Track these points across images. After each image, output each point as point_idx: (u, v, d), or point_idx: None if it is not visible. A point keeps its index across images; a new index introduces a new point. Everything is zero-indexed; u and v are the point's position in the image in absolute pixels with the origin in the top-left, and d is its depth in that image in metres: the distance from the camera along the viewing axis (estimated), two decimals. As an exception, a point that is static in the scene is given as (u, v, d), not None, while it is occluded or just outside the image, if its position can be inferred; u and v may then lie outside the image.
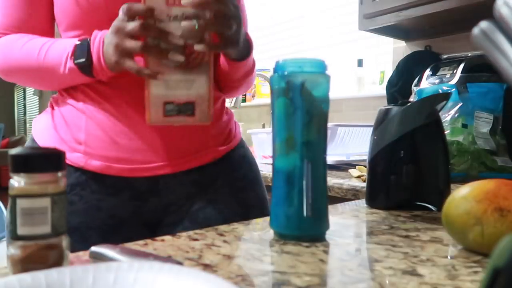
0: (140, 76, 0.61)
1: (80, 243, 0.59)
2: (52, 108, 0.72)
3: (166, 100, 0.63)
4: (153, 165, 0.67)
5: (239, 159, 0.78)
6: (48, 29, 0.73)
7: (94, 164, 0.66)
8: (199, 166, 0.71)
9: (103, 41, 0.62)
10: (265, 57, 2.44)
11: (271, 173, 0.51)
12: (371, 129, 0.71)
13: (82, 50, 0.63)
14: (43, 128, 0.71)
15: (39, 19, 0.72)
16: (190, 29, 0.58)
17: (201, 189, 0.72)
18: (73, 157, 0.66)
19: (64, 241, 0.38)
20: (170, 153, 0.68)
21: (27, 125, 7.92)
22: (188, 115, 0.64)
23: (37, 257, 0.36)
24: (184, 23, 0.58)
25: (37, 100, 7.05)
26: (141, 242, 0.47)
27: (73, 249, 0.41)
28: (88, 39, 0.64)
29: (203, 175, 0.72)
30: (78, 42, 0.64)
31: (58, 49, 0.65)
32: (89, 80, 0.66)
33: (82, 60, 0.63)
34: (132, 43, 0.59)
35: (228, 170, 0.75)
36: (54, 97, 0.74)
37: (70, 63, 0.64)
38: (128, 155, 0.66)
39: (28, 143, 0.74)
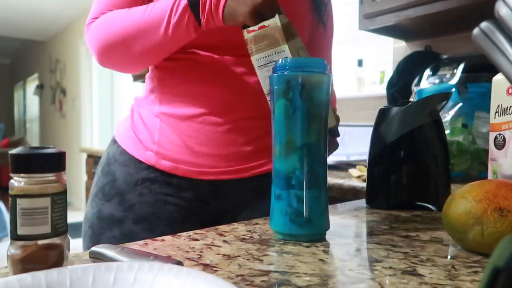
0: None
1: (149, 231, 0.68)
2: (133, 111, 0.77)
3: None
4: (216, 169, 0.70)
5: None
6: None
7: (164, 164, 0.70)
8: (261, 175, 0.72)
9: None
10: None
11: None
12: (371, 129, 0.71)
13: None
14: (123, 130, 0.76)
15: None
16: None
17: (260, 198, 0.73)
18: (146, 155, 0.71)
19: (64, 241, 0.38)
20: (234, 160, 0.70)
21: (27, 125, 7.92)
22: None
23: (37, 257, 0.36)
24: None
25: (37, 100, 7.05)
26: (141, 242, 0.47)
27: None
28: None
29: (264, 183, 0.71)
30: None
31: (166, 2, 0.64)
32: (192, 34, 0.64)
33: None
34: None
35: None
36: (136, 100, 0.78)
37: (183, 3, 0.62)
38: (195, 159, 0.70)
39: (110, 143, 0.78)
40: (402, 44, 1.76)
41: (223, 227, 0.54)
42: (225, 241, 0.48)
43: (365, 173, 1.10)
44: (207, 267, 0.39)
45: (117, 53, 0.69)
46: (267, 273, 0.37)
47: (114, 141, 0.78)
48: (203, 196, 0.71)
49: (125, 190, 0.71)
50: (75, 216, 3.93)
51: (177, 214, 0.71)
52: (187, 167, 0.70)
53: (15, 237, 0.36)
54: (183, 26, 0.63)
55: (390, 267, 0.39)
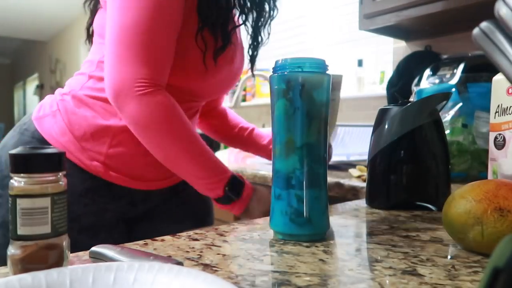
0: None
1: (92, 238, 0.73)
2: (66, 110, 0.76)
3: None
4: (151, 182, 0.82)
5: None
6: None
7: (111, 175, 0.76)
8: (177, 182, 0.88)
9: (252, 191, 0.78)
10: (265, 57, 2.43)
11: (271, 173, 0.51)
12: (371, 129, 0.71)
13: (237, 187, 0.75)
14: (58, 132, 0.75)
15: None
16: None
17: (176, 195, 0.89)
18: (93, 165, 0.75)
19: (64, 241, 0.38)
20: (162, 175, 0.83)
21: (27, 125, 7.87)
22: None
23: (37, 257, 0.36)
24: None
25: (37, 100, 7.05)
26: (141, 242, 0.47)
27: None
28: (242, 181, 0.77)
29: (177, 186, 0.89)
30: (233, 176, 0.75)
31: (216, 165, 0.74)
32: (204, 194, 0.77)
33: (233, 195, 0.75)
34: None
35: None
36: (67, 106, 0.76)
37: (220, 185, 0.74)
38: (138, 172, 0.79)
39: (33, 141, 0.74)
40: (402, 44, 1.76)
41: (223, 227, 0.54)
42: (225, 241, 0.48)
43: (365, 173, 1.10)
44: (207, 267, 0.39)
45: (159, 144, 0.71)
46: (267, 273, 0.37)
47: (41, 140, 0.74)
48: (134, 201, 0.81)
49: (70, 201, 0.71)
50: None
51: (114, 219, 0.79)
52: (128, 178, 0.78)
53: (15, 237, 0.36)
54: (208, 192, 0.75)
55: (390, 267, 0.39)
